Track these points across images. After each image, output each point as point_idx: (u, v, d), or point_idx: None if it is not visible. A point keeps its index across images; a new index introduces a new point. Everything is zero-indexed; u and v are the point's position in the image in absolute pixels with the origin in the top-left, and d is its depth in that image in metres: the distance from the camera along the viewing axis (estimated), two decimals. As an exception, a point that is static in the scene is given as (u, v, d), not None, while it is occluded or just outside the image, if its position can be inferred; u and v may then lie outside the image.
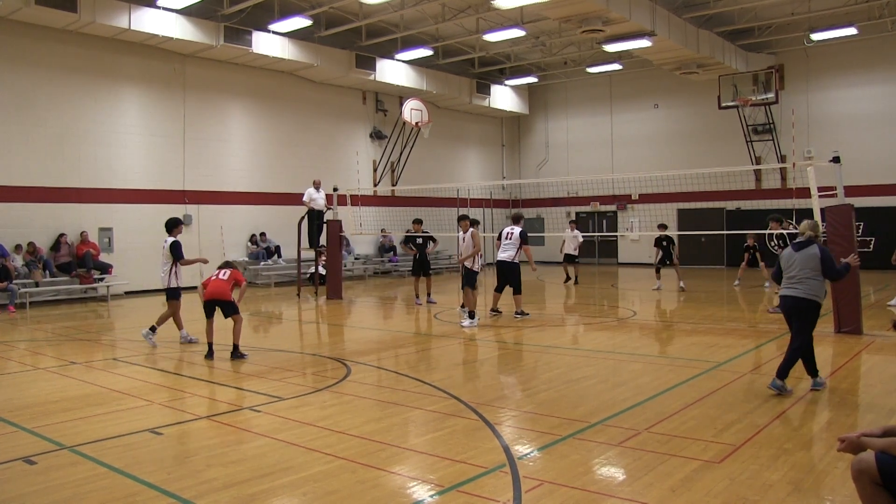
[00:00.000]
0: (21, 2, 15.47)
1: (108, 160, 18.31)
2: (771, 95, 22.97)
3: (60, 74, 17.38)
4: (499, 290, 13.06)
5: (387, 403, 6.76)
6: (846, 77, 23.55)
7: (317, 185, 17.85)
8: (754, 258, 17.84)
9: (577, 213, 29.40)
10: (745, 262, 18.11)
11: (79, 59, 17.68)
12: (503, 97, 28.62)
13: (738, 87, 23.22)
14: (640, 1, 18.58)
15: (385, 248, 25.50)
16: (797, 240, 7.08)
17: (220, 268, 9.62)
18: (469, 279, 12.34)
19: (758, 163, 23.72)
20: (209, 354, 9.21)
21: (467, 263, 12.54)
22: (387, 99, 25.57)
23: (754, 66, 24.00)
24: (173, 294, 10.54)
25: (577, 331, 12.06)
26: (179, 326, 10.71)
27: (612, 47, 20.35)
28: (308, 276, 19.50)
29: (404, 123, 22.78)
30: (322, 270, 18.59)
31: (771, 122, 24.10)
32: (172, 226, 10.67)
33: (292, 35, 20.43)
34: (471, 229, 12.66)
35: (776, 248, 14.90)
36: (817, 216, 10.45)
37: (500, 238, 13.12)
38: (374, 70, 22.94)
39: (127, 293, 18.18)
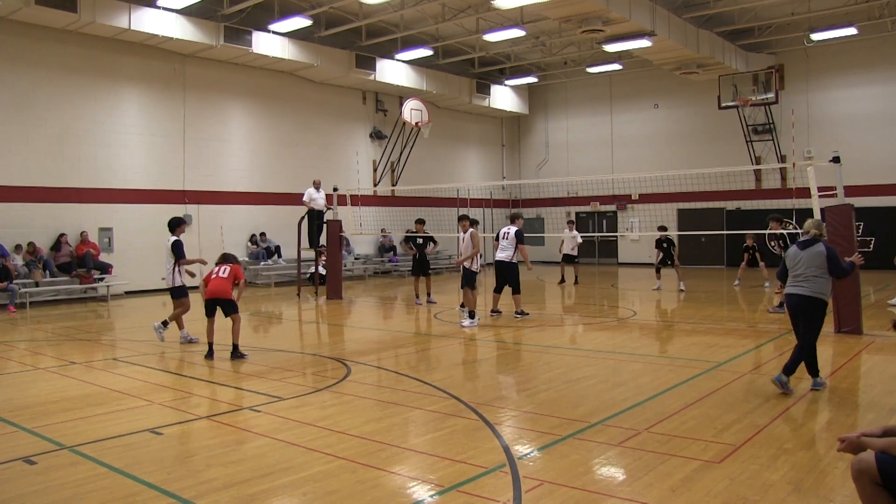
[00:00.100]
0: (21, 2, 15.47)
1: (108, 160, 18.32)
2: (771, 95, 22.97)
3: (60, 74, 17.38)
4: (498, 290, 13.06)
5: (387, 403, 6.76)
6: (846, 77, 23.55)
7: (317, 185, 17.85)
8: (754, 258, 17.85)
9: (577, 213, 29.40)
10: (745, 262, 18.12)
11: (79, 59, 17.69)
12: (503, 97, 28.62)
13: (738, 87, 23.22)
14: (640, 1, 18.58)
15: (385, 248, 25.50)
16: (802, 238, 7.09)
17: (219, 262, 9.57)
18: (468, 279, 12.35)
19: (758, 163, 23.72)
20: (209, 354, 9.20)
21: (466, 263, 12.53)
22: (387, 99, 25.57)
23: (754, 66, 24.00)
24: (180, 293, 10.53)
25: (577, 331, 12.06)
26: (180, 326, 10.71)
27: (612, 47, 20.35)
28: (308, 276, 19.50)
29: (404, 123, 22.78)
30: (322, 270, 18.59)
31: (771, 122, 24.10)
32: (175, 225, 10.67)
33: (292, 35, 20.43)
34: (470, 230, 12.65)
35: (776, 248, 14.90)
36: (817, 216, 10.45)
37: (497, 238, 13.14)
38: (374, 70, 22.95)
39: (127, 293, 18.19)
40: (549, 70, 28.00)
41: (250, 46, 19.47)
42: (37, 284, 16.21)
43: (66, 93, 17.49)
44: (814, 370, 6.99)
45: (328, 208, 17.77)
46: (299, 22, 19.28)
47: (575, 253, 19.96)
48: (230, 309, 9.29)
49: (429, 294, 15.58)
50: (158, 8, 17.65)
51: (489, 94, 27.66)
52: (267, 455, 5.21)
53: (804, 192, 11.85)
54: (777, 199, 22.54)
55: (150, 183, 19.11)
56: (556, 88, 30.00)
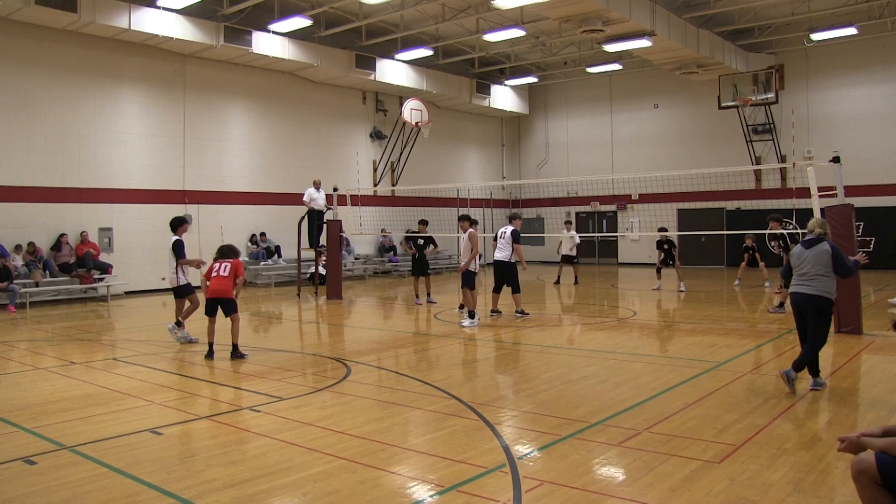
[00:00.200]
0: (21, 2, 15.47)
1: (108, 160, 18.32)
2: (771, 95, 22.97)
3: (60, 74, 17.39)
4: (497, 290, 13.06)
5: (387, 403, 6.76)
6: (846, 77, 23.55)
7: (317, 185, 17.86)
8: (754, 258, 17.87)
9: (577, 213, 29.41)
10: (745, 262, 18.13)
11: (79, 59, 17.69)
12: (503, 97, 28.63)
13: (738, 87, 23.21)
14: (640, 1, 18.59)
15: (385, 248, 25.50)
16: (807, 237, 7.09)
17: (218, 258, 9.48)
18: (468, 279, 12.34)
19: (758, 163, 23.72)
20: (209, 354, 9.20)
21: (465, 263, 12.49)
22: (387, 99, 25.58)
23: (754, 66, 24.01)
24: (186, 290, 10.52)
25: (578, 331, 12.06)
26: (181, 326, 10.70)
27: (612, 47, 20.35)
28: (308, 276, 19.50)
29: (404, 123, 22.78)
30: (322, 270, 18.59)
31: (771, 122, 24.10)
32: (177, 224, 10.67)
33: (292, 35, 20.43)
34: (470, 230, 12.62)
35: (775, 248, 14.90)
36: (817, 216, 10.45)
37: (496, 238, 13.17)
38: (374, 70, 22.95)
39: (127, 293, 18.19)
40: (549, 70, 28.00)
41: (250, 46, 19.48)
42: (37, 284, 16.21)
43: (66, 93, 17.50)
44: (814, 370, 6.99)
45: (328, 208, 17.77)
46: (299, 22, 19.29)
47: (574, 253, 19.94)
48: (230, 308, 9.29)
49: (429, 294, 15.59)
50: (158, 8, 17.65)
51: (489, 94, 27.66)
52: (267, 455, 5.21)
53: (804, 192, 11.85)
54: (777, 199, 22.56)
55: (150, 183, 19.11)
56: (556, 88, 30.01)
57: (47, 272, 16.57)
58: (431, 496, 4.40)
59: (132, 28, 17.37)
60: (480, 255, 13.10)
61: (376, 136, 25.29)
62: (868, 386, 7.34)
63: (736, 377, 7.67)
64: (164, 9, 17.73)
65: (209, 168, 20.43)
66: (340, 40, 21.81)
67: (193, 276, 11.03)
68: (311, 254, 18.66)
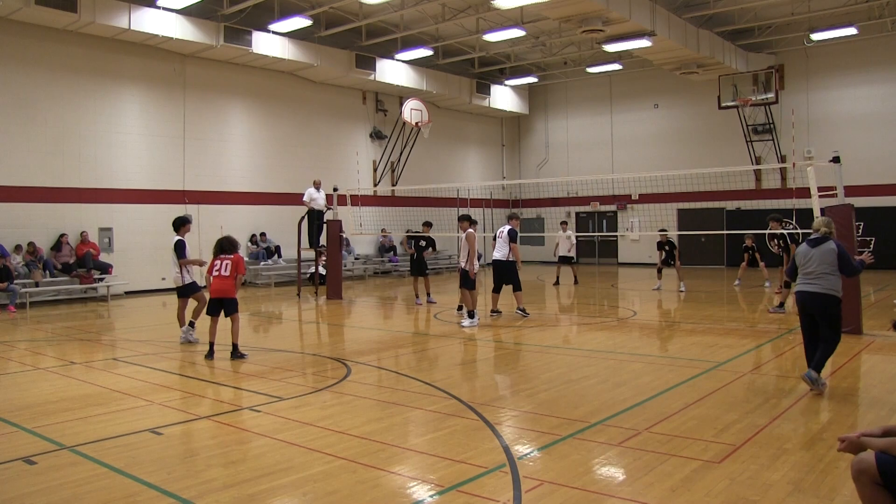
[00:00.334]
0: (21, 2, 15.47)
1: (108, 160, 18.32)
2: (771, 95, 22.97)
3: (60, 74, 17.39)
4: (496, 290, 13.07)
5: (387, 403, 6.76)
6: (846, 77, 23.55)
7: (317, 185, 17.85)
8: (754, 258, 17.89)
9: (577, 213, 29.42)
10: (745, 262, 18.14)
11: (79, 59, 17.69)
12: (503, 97, 28.63)
13: (738, 87, 23.22)
14: (640, 1, 18.59)
15: (385, 248, 25.50)
16: (812, 236, 7.10)
17: (218, 253, 9.39)
18: (466, 280, 12.31)
19: (758, 163, 23.72)
20: (209, 354, 9.20)
21: (464, 264, 12.46)
22: (387, 99, 25.58)
23: (754, 66, 24.01)
24: (190, 290, 10.51)
25: (578, 331, 12.06)
26: (182, 324, 10.70)
27: (612, 47, 20.35)
28: (308, 276, 19.50)
29: (404, 123, 22.78)
30: (322, 270, 18.59)
31: (771, 122, 24.10)
32: (179, 224, 10.66)
33: (292, 35, 20.43)
34: (469, 230, 12.60)
35: (775, 248, 14.90)
36: (817, 216, 10.45)
37: (495, 238, 13.21)
38: (374, 70, 22.95)
39: (127, 293, 18.19)
40: (549, 70, 28.00)
41: (250, 46, 19.48)
42: (37, 284, 16.21)
43: (66, 93, 17.50)
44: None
45: (328, 208, 17.77)
46: (299, 22, 19.29)
47: (571, 254, 19.92)
48: (231, 308, 9.28)
49: (428, 294, 15.59)
50: (158, 8, 17.65)
51: (489, 94, 27.66)
52: (267, 455, 5.21)
53: (804, 192, 11.85)
54: (777, 199, 22.57)
55: (150, 183, 19.11)
56: (556, 88, 30.01)
57: (47, 272, 16.57)
58: (431, 496, 4.40)
59: (132, 28, 17.37)
60: (480, 256, 13.08)
61: (376, 136, 25.30)
62: (868, 386, 7.34)
63: (736, 377, 7.67)
64: (164, 9, 17.73)
65: (209, 168, 20.43)
66: (340, 40, 21.81)
67: (198, 274, 11.02)
68: (311, 254, 18.66)
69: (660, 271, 18.13)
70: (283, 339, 11.64)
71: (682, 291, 17.13)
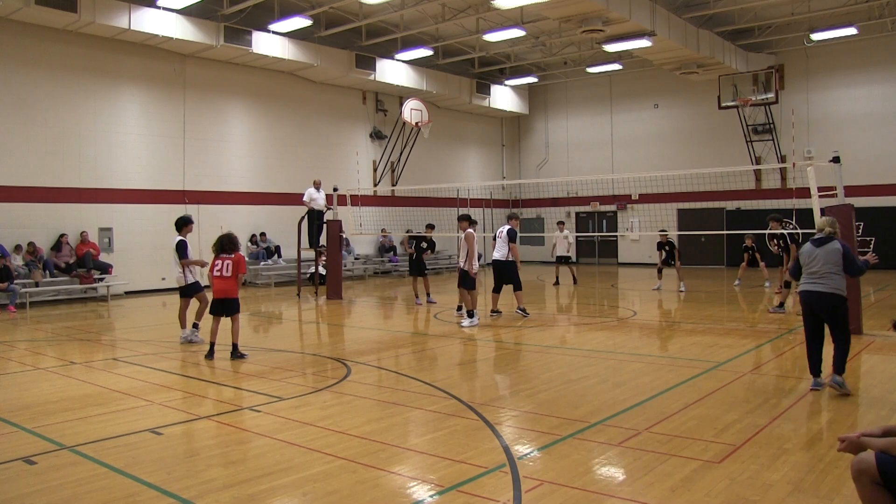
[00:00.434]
0: (21, 2, 15.47)
1: (108, 160, 18.32)
2: (771, 95, 22.97)
3: (60, 74, 17.38)
4: (496, 290, 13.07)
5: (387, 403, 6.76)
6: (846, 77, 23.55)
7: (317, 185, 17.85)
8: (754, 258, 17.89)
9: (577, 213, 29.42)
10: (745, 262, 18.15)
11: (79, 59, 17.69)
12: (503, 97, 28.63)
13: (738, 87, 23.22)
14: (640, 1, 18.59)
15: (385, 248, 25.50)
16: (817, 236, 7.10)
17: (218, 253, 9.34)
18: (465, 279, 12.29)
19: (758, 163, 23.72)
20: (209, 354, 9.20)
21: (463, 264, 12.45)
22: (387, 99, 25.58)
23: (754, 66, 24.01)
24: (193, 290, 10.50)
25: (578, 331, 12.05)
26: (183, 325, 10.70)
27: (612, 47, 20.35)
28: (308, 276, 19.50)
29: (404, 123, 22.78)
30: (322, 270, 18.59)
31: (771, 122, 24.10)
32: (182, 224, 10.66)
33: (292, 35, 20.43)
34: (468, 230, 12.58)
35: (775, 248, 14.90)
36: (817, 216, 10.45)
37: (495, 238, 13.22)
38: (374, 70, 22.95)
39: (127, 293, 18.19)
40: (549, 70, 28.00)
41: (250, 46, 19.47)
42: (37, 284, 16.21)
43: (66, 93, 17.50)
44: (816, 370, 6.99)
45: (328, 208, 17.77)
46: (299, 22, 19.28)
47: (569, 254, 19.93)
48: (233, 309, 9.28)
49: (428, 294, 15.59)
50: (158, 8, 17.65)
51: (489, 94, 27.66)
52: (267, 455, 5.21)
53: (804, 192, 11.86)
54: (777, 199, 22.56)
55: (150, 183, 19.11)
56: (556, 88, 30.01)
57: (47, 272, 16.57)
58: (431, 496, 4.40)
59: (132, 28, 17.36)
60: (480, 256, 13.07)
61: (376, 136, 25.30)
62: (868, 386, 7.33)
63: (736, 377, 7.67)
64: (164, 9, 17.73)
65: (209, 168, 20.43)
66: (340, 40, 21.81)
67: (202, 275, 10.99)
68: (311, 254, 18.66)
69: (660, 271, 18.14)
70: (283, 339, 11.64)
71: (682, 291, 17.14)
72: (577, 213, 29.43)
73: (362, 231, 20.45)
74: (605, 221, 28.86)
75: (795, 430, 5.73)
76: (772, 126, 24.05)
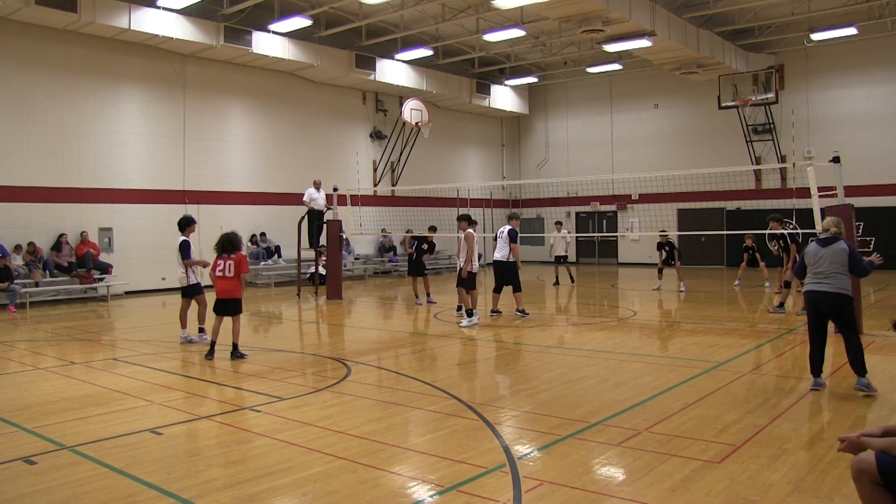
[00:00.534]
0: (21, 2, 15.47)
1: (108, 160, 18.32)
2: (771, 95, 22.97)
3: (60, 74, 17.38)
4: (497, 290, 13.06)
5: (387, 403, 6.76)
6: (846, 77, 23.55)
7: (317, 185, 17.85)
8: (754, 258, 17.90)
9: (577, 213, 29.42)
10: (745, 262, 18.15)
11: (79, 59, 17.69)
12: (503, 97, 28.63)
13: (738, 87, 23.22)
14: (640, 1, 18.59)
15: (385, 248, 25.50)
16: (822, 236, 7.09)
17: (220, 253, 9.33)
18: (465, 279, 12.28)
19: (758, 163, 23.72)
20: (210, 353, 9.20)
21: (462, 263, 12.44)
22: (387, 99, 25.58)
23: (754, 66, 24.01)
24: (194, 291, 10.49)
25: (578, 331, 12.05)
26: (183, 325, 10.70)
27: (612, 47, 20.35)
28: (308, 276, 19.50)
29: (404, 123, 22.78)
30: (322, 270, 18.59)
31: (771, 122, 24.10)
32: (185, 224, 10.65)
33: (292, 35, 20.43)
34: (468, 230, 12.58)
35: (775, 248, 14.90)
36: (817, 216, 10.45)
37: (496, 238, 13.19)
38: (374, 70, 22.95)
39: (127, 293, 18.18)
40: (549, 70, 28.00)
41: (250, 46, 19.47)
42: (37, 284, 16.20)
43: (66, 93, 17.50)
44: (817, 371, 6.98)
45: (328, 208, 17.77)
46: (299, 22, 19.28)
47: (565, 253, 19.96)
48: (235, 309, 9.27)
49: (428, 294, 15.59)
50: (158, 8, 17.65)
51: (489, 94, 27.66)
52: (267, 455, 5.21)
53: (804, 192, 11.86)
54: (777, 199, 22.55)
55: (150, 183, 19.11)
56: (556, 88, 30.01)
57: (47, 272, 16.57)
58: (431, 496, 4.40)
59: (132, 28, 17.36)
60: (480, 256, 13.06)
61: (376, 136, 25.30)
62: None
63: (736, 377, 7.67)
64: (164, 9, 17.73)
65: (209, 168, 20.43)
66: (340, 40, 21.81)
67: (203, 275, 10.98)
68: (311, 254, 18.66)
69: (660, 271, 18.14)
70: (283, 339, 11.64)
71: (682, 291, 17.14)
72: (577, 213, 29.43)
73: (362, 231, 20.45)
74: (605, 221, 28.86)
75: (795, 430, 5.73)
76: (772, 126, 24.05)
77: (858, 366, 6.78)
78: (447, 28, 21.93)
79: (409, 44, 22.83)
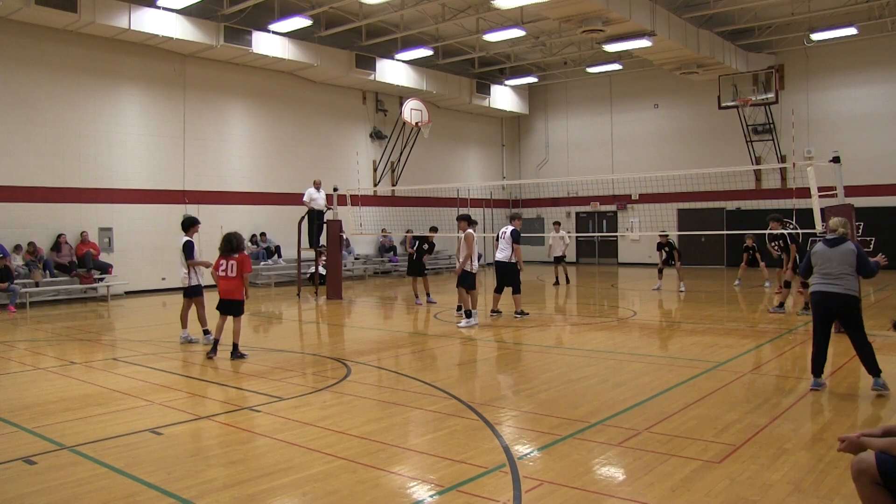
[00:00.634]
0: (21, 2, 15.47)
1: (108, 160, 18.32)
2: (771, 95, 22.97)
3: (60, 74, 17.38)
4: (498, 290, 13.05)
5: (387, 403, 6.76)
6: (846, 77, 23.55)
7: (317, 185, 17.85)
8: (754, 258, 17.90)
9: (577, 213, 29.42)
10: (745, 262, 18.16)
11: (79, 59, 17.68)
12: (503, 97, 28.63)
13: (738, 87, 23.22)
14: (640, 1, 18.59)
15: (385, 248, 25.50)
16: (829, 237, 7.09)
17: (223, 253, 9.33)
18: (464, 280, 12.27)
19: (758, 163, 23.72)
20: (212, 351, 9.20)
21: (461, 262, 12.44)
22: (387, 99, 25.58)
23: (754, 66, 24.01)
24: (195, 292, 10.49)
25: (578, 331, 12.05)
26: (184, 325, 10.69)
27: (612, 47, 20.35)
28: (308, 276, 19.50)
29: (404, 123, 22.78)
30: (322, 270, 18.59)
31: (771, 122, 24.10)
32: (189, 225, 10.65)
33: (292, 35, 20.43)
34: (468, 230, 12.56)
35: (775, 248, 14.90)
36: (817, 216, 10.46)
37: (497, 239, 13.16)
38: (374, 70, 22.95)
39: (127, 293, 18.18)
40: (549, 70, 28.00)
41: (250, 46, 19.47)
42: (37, 284, 16.20)
43: (66, 93, 17.50)
44: (818, 371, 6.98)
45: (328, 208, 17.77)
46: (299, 22, 19.28)
47: (563, 254, 19.96)
48: (237, 310, 9.27)
49: (428, 294, 15.59)
50: (158, 8, 17.65)
51: (489, 94, 27.66)
52: (267, 455, 5.21)
53: (804, 192, 11.86)
54: (777, 199, 22.56)
55: (150, 183, 19.11)
56: (556, 88, 30.01)
57: (47, 272, 16.57)
58: (431, 496, 4.40)
59: (132, 28, 17.36)
60: (480, 256, 13.04)
61: (376, 136, 25.29)
62: (868, 386, 7.31)
63: (736, 377, 7.67)
64: (164, 9, 17.73)
65: (209, 168, 20.43)
66: (340, 40, 21.81)
67: (205, 276, 10.96)
68: (311, 254, 18.66)
69: (660, 271, 18.14)
70: (283, 339, 11.64)
71: (682, 291, 17.14)
72: (578, 213, 29.43)
73: (362, 231, 20.44)
74: (605, 221, 28.86)
75: (795, 430, 5.73)
76: (772, 126, 24.05)
77: (872, 366, 6.78)
78: (447, 28, 21.93)
79: (409, 44, 22.83)
